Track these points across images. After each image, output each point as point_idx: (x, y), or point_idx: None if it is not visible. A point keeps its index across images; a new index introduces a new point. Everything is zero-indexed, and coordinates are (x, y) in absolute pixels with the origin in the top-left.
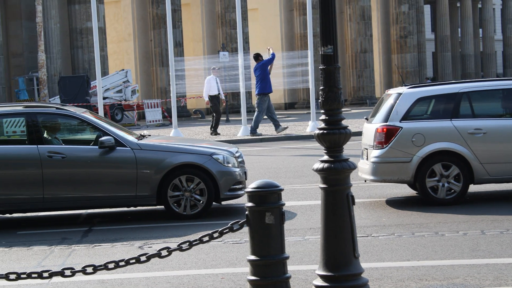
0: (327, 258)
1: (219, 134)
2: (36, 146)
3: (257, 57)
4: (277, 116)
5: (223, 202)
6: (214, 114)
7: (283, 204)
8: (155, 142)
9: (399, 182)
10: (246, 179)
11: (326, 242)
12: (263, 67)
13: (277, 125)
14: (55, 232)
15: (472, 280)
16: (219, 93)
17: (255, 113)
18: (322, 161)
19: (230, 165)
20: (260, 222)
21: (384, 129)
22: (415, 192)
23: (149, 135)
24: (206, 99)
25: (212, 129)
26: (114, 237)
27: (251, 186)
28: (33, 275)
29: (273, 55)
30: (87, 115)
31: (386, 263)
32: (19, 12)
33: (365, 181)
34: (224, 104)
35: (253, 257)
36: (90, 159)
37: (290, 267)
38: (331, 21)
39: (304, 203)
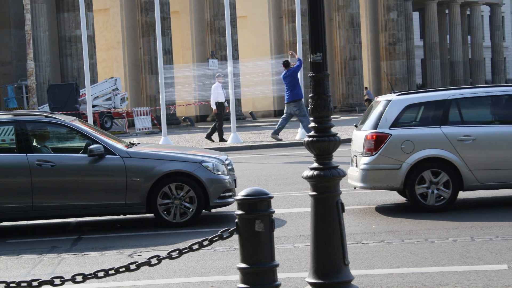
0: (317, 266)
1: (213, 141)
2: (25, 154)
3: (287, 64)
4: (267, 123)
5: (213, 210)
6: (217, 121)
7: (273, 212)
8: (145, 150)
9: (389, 189)
10: (235, 187)
11: (316, 250)
12: (293, 74)
13: (278, 132)
14: (45, 240)
15: (461, 287)
16: (225, 100)
17: (302, 120)
18: (312, 169)
19: (219, 172)
20: (250, 229)
21: (374, 136)
22: (405, 199)
23: (139, 143)
24: (214, 107)
25: (208, 135)
26: (104, 245)
27: (240, 193)
28: (22, 284)
29: (300, 61)
30: (76, 123)
31: (376, 270)
32: (8, 20)
33: (355, 188)
34: (227, 110)
35: (243, 265)
36: (79, 167)
37: (280, 275)
38: (320, 28)
39: (294, 211)
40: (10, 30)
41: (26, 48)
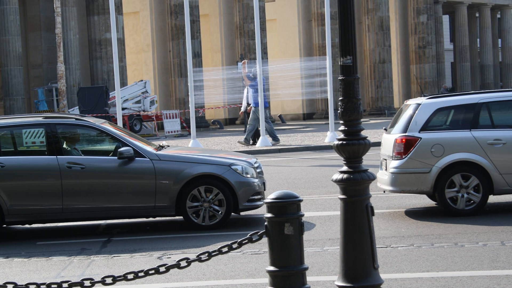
0: (347, 269)
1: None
2: (55, 157)
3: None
4: (296, 126)
5: (242, 213)
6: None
7: (302, 215)
8: (174, 152)
9: (418, 193)
10: (264, 190)
11: (346, 253)
12: None
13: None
14: (74, 242)
15: None
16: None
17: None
18: (341, 172)
19: (248, 175)
20: (279, 233)
21: (403, 140)
22: (434, 202)
23: (168, 146)
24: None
25: None
26: (133, 247)
27: (270, 196)
28: (52, 286)
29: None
30: (106, 126)
31: (405, 274)
32: (39, 23)
33: (384, 191)
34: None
35: (272, 268)
36: (109, 169)
37: (309, 278)
38: (350, 31)
39: (323, 214)
40: (41, 33)
41: (57, 51)
